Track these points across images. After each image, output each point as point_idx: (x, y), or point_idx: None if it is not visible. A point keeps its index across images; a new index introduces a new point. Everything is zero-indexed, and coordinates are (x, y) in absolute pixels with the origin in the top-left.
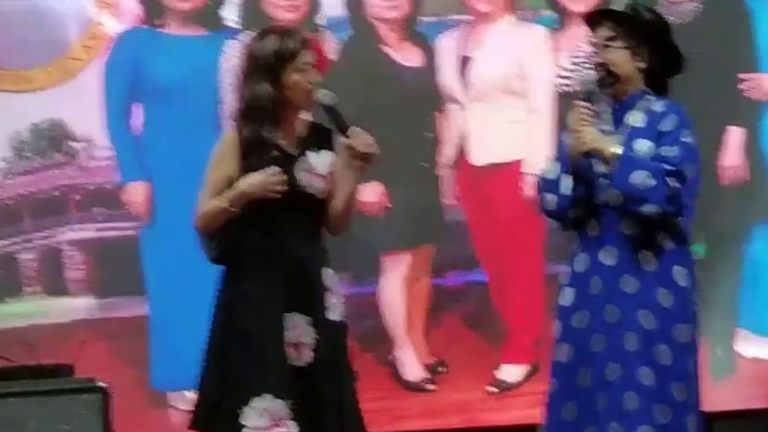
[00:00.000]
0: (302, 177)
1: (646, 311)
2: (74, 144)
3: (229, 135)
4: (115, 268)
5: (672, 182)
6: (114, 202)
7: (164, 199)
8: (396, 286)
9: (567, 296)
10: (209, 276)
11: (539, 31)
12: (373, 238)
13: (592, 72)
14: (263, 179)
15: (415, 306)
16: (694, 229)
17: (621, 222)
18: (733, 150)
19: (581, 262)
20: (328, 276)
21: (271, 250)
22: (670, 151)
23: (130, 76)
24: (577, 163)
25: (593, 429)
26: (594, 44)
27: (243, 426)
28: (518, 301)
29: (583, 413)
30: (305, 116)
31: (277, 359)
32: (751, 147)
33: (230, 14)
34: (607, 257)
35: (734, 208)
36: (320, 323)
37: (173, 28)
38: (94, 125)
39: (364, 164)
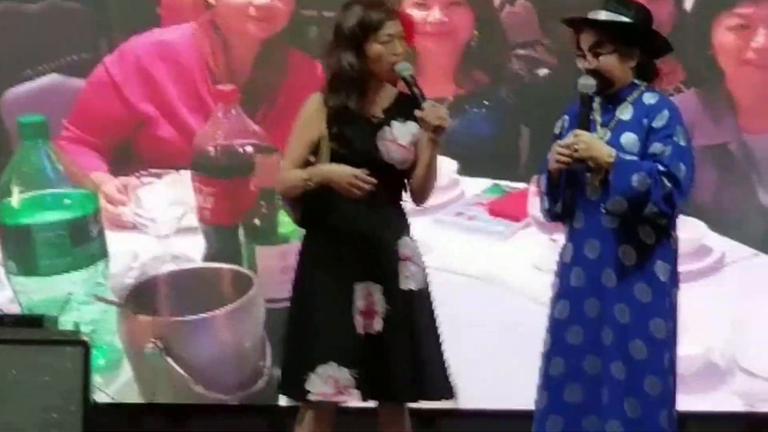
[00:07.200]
0: (382, 146)
1: (622, 305)
2: None
3: (315, 99)
4: None
5: (666, 182)
6: None
7: None
8: None
9: (554, 286)
10: None
11: None
12: None
13: (590, 78)
14: (351, 179)
15: None
16: None
17: (603, 215)
18: None
19: (567, 253)
20: (406, 245)
21: (345, 217)
22: (662, 149)
23: None
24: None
25: (567, 420)
26: (581, 50)
27: (308, 392)
28: None
29: (554, 402)
30: (394, 87)
31: (344, 328)
32: None
33: None
34: (591, 250)
35: None
36: (393, 292)
37: None
38: None
39: (435, 136)
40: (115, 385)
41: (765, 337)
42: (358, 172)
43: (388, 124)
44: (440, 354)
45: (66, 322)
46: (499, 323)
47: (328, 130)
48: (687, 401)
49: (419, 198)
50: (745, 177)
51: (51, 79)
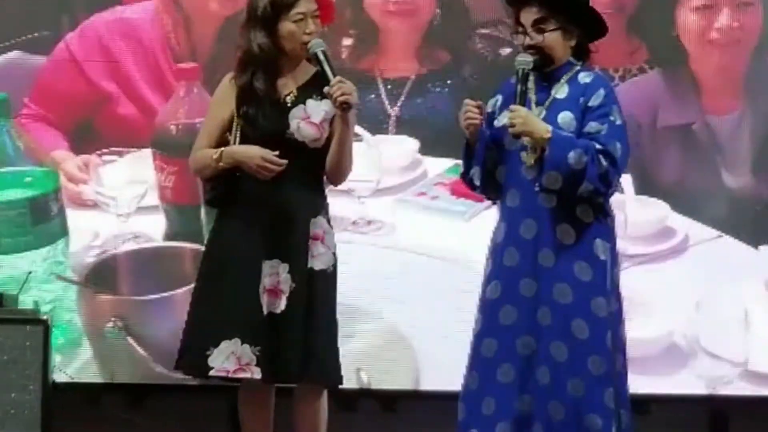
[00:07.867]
0: (294, 124)
1: (562, 285)
2: None
3: (226, 80)
4: None
5: (602, 160)
6: None
7: None
8: None
9: (486, 266)
10: None
11: None
12: None
13: (528, 55)
14: (259, 161)
15: None
16: None
17: (539, 195)
18: None
19: (500, 232)
20: (320, 225)
21: (258, 196)
22: (598, 128)
23: None
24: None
25: (499, 400)
26: (522, 26)
27: (210, 368)
28: None
29: (486, 384)
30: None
31: (250, 305)
32: None
33: None
34: (527, 230)
35: None
36: (299, 271)
37: None
38: None
39: (342, 113)
40: (75, 364)
41: (728, 320)
42: (268, 154)
43: (304, 102)
44: (333, 340)
45: (26, 301)
46: (460, 303)
47: (236, 109)
48: (649, 383)
49: (334, 177)
50: (708, 158)
51: (12, 56)
